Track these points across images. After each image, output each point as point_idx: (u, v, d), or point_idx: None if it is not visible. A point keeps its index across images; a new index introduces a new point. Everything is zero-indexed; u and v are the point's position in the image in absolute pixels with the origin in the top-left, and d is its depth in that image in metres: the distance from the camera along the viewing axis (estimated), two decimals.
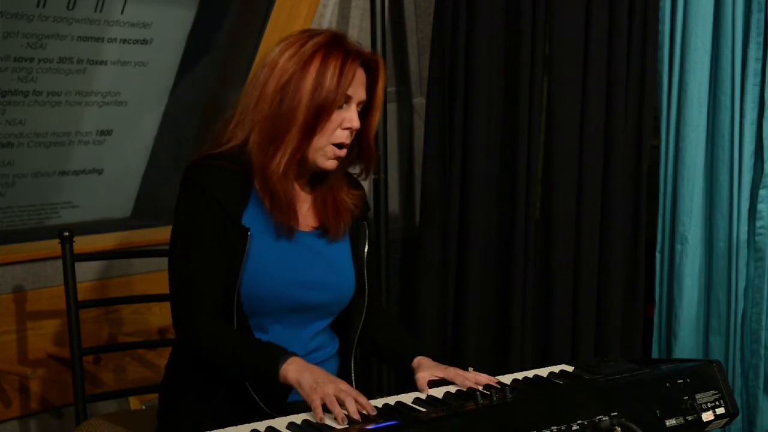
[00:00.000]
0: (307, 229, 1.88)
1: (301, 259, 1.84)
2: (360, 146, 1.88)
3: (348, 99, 1.79)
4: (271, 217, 1.80)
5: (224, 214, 1.77)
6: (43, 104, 2.48)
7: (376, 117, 1.87)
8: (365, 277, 1.94)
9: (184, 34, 2.72)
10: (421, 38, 3.11)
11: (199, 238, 1.78)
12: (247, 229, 1.77)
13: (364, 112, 1.85)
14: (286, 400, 1.74)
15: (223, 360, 1.76)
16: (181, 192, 1.81)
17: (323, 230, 1.89)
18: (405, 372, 1.88)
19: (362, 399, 1.62)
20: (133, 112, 2.70)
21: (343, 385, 1.65)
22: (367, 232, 1.96)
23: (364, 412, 1.60)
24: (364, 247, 1.95)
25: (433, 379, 1.81)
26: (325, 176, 1.89)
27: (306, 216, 1.89)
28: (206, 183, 1.78)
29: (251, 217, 1.80)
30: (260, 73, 1.80)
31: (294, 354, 1.71)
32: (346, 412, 1.59)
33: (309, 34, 1.82)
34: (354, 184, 1.97)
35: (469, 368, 1.83)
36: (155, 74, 2.70)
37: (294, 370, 1.67)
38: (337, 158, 1.82)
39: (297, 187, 1.87)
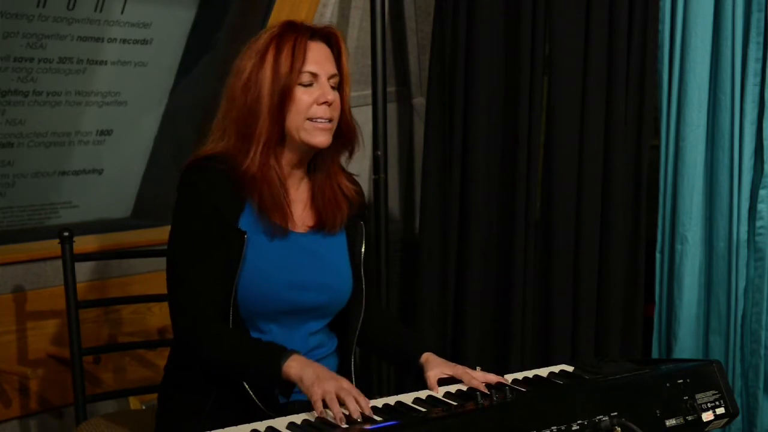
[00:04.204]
0: (302, 230, 1.87)
1: (297, 260, 1.84)
2: (340, 122, 1.86)
3: (315, 76, 1.80)
4: (265, 220, 1.80)
5: (222, 218, 1.77)
6: (43, 104, 2.48)
7: (347, 90, 1.86)
8: (362, 278, 1.93)
9: (184, 34, 2.72)
10: (421, 38, 3.11)
11: (199, 248, 1.77)
12: (244, 233, 1.77)
13: (338, 87, 1.85)
14: (288, 398, 1.74)
15: (226, 363, 1.76)
16: (180, 196, 1.81)
17: (319, 227, 1.88)
18: (413, 370, 1.88)
19: (362, 399, 1.62)
20: (133, 112, 2.70)
21: (345, 383, 1.64)
22: (364, 231, 1.96)
23: (363, 412, 1.60)
24: (361, 246, 1.94)
25: (443, 377, 1.81)
26: (322, 169, 1.89)
27: (301, 216, 1.88)
28: (204, 187, 1.78)
29: (247, 221, 1.80)
30: (228, 81, 1.83)
31: (295, 351, 1.71)
32: (346, 412, 1.59)
33: (264, 30, 1.85)
34: (352, 181, 1.97)
35: (477, 368, 1.83)
36: (155, 74, 2.71)
37: (296, 366, 1.67)
38: (324, 130, 1.80)
39: (291, 187, 1.87)
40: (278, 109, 1.77)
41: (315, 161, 1.90)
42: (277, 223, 1.80)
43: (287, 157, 1.84)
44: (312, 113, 1.79)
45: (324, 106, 1.80)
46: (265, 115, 1.77)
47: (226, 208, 1.78)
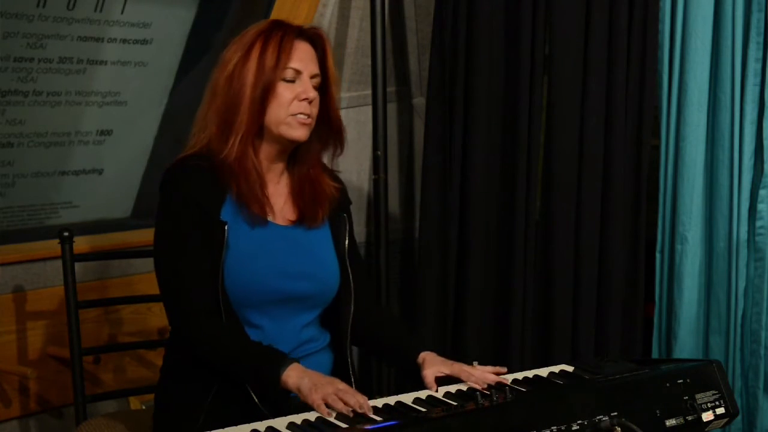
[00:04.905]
0: (284, 223, 1.90)
1: (282, 250, 1.86)
2: (326, 123, 1.91)
3: (298, 73, 1.84)
4: (245, 210, 1.82)
5: (203, 211, 1.80)
6: (43, 104, 2.47)
7: (334, 91, 1.91)
8: (348, 269, 1.95)
9: (184, 34, 2.72)
10: (421, 38, 3.11)
11: (184, 242, 1.79)
12: (225, 223, 1.79)
13: (323, 89, 1.89)
14: (284, 400, 1.75)
15: (224, 363, 1.78)
16: (161, 196, 1.84)
17: (300, 221, 1.91)
18: (410, 369, 1.88)
19: (359, 397, 1.63)
20: (133, 112, 2.70)
21: (341, 385, 1.66)
22: (347, 224, 1.98)
23: (362, 411, 1.60)
24: (345, 239, 1.97)
25: (440, 375, 1.81)
26: (302, 164, 1.92)
27: (283, 210, 1.91)
28: (184, 183, 1.81)
29: (228, 212, 1.82)
30: (214, 72, 1.87)
31: (294, 360, 1.73)
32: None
33: (252, 26, 1.88)
34: (334, 178, 2.00)
35: (474, 363, 1.83)
36: (155, 74, 2.70)
37: (294, 375, 1.69)
38: (304, 125, 1.84)
39: (271, 180, 1.90)
40: (260, 102, 1.81)
41: (295, 156, 1.93)
42: (255, 213, 1.83)
43: (265, 151, 1.88)
44: (293, 109, 1.83)
45: (305, 103, 1.84)
46: (246, 106, 1.81)
47: (206, 202, 1.80)
